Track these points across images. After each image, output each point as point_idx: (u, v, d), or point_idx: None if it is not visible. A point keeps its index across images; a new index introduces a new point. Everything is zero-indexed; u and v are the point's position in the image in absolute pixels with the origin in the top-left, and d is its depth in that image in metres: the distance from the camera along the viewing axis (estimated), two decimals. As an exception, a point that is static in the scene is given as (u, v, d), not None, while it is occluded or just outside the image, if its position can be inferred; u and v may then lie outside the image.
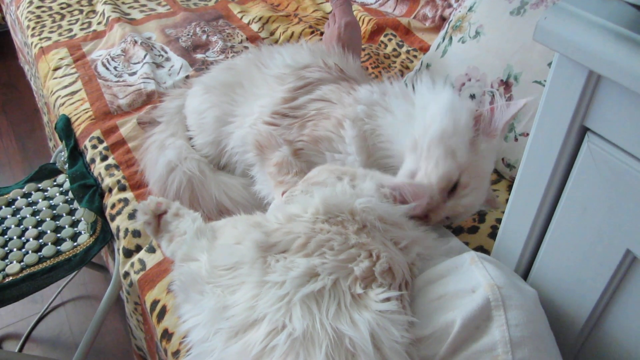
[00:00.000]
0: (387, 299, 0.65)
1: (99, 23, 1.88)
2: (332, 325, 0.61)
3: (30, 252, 1.25)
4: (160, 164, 1.17)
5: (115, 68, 1.62)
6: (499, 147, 0.90)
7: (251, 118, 1.09)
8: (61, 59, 1.69)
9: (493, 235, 1.04)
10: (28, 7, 1.97)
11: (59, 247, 1.27)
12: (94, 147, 1.36)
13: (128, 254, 1.14)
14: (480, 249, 1.01)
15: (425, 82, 0.98)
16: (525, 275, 0.77)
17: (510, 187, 1.16)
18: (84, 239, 1.29)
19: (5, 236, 1.29)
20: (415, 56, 1.62)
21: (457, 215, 0.89)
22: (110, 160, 1.32)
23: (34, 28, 1.87)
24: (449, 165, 0.83)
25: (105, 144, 1.36)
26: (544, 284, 0.73)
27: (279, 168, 1.00)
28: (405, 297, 0.69)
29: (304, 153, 1.01)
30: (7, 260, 1.23)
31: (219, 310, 0.66)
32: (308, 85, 1.07)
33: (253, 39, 1.76)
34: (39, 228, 1.32)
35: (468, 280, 0.68)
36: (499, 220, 1.06)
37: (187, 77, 1.55)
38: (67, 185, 1.43)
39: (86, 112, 1.46)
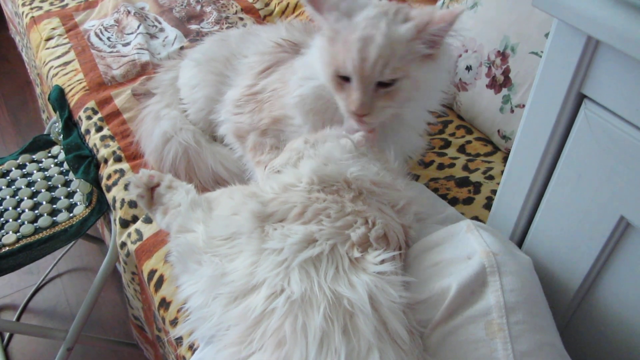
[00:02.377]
0: (384, 261, 0.66)
1: (91, -8, 1.85)
2: (330, 288, 0.62)
3: (26, 222, 1.25)
4: (156, 135, 1.17)
5: (108, 39, 1.60)
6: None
7: (224, 111, 1.12)
8: (53, 28, 1.67)
9: (488, 206, 1.05)
10: (18, -24, 1.93)
11: (54, 218, 1.27)
12: (89, 118, 1.36)
13: (125, 224, 1.14)
14: (475, 219, 1.01)
15: None
16: (520, 243, 0.78)
17: (505, 159, 1.17)
18: (80, 210, 1.29)
19: (1, 207, 1.29)
20: (411, 28, 1.61)
21: (374, 76, 0.83)
22: (106, 131, 1.31)
23: (24, -3, 1.84)
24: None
25: (100, 115, 1.35)
26: (539, 251, 0.74)
27: (254, 152, 1.03)
28: (397, 259, 0.69)
29: (269, 132, 1.02)
30: (3, 231, 1.23)
31: (217, 277, 0.67)
32: (268, 68, 1.07)
33: (248, 9, 1.74)
34: (35, 199, 1.31)
35: (464, 247, 0.68)
36: (494, 192, 1.07)
37: (181, 48, 1.54)
38: (62, 156, 1.42)
39: (80, 83, 1.45)
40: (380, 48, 0.80)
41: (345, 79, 0.84)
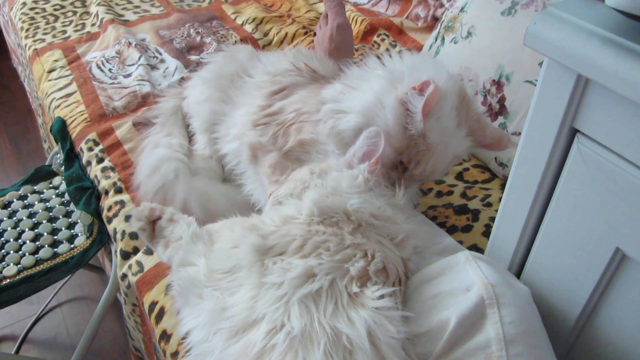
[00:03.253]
0: (382, 296, 0.66)
1: (93, 24, 1.89)
2: (329, 324, 0.63)
3: (27, 254, 1.25)
4: (145, 166, 1.18)
5: (110, 70, 1.62)
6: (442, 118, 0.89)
7: (235, 129, 1.11)
8: (55, 60, 1.69)
9: (487, 233, 1.05)
10: (21, 8, 1.97)
11: (55, 250, 1.27)
12: (90, 149, 1.37)
13: (125, 256, 1.15)
14: (474, 247, 1.03)
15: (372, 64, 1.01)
16: (518, 274, 0.78)
17: (503, 186, 1.18)
18: (81, 241, 1.29)
19: (2, 239, 1.29)
20: (408, 56, 1.63)
21: (426, 178, 0.93)
22: (107, 163, 1.33)
23: (27, 29, 1.88)
24: (385, 152, 0.87)
25: (101, 146, 1.37)
26: (537, 281, 0.74)
27: (273, 169, 1.01)
28: (397, 294, 0.70)
29: (292, 154, 1.02)
30: (4, 263, 1.23)
31: (218, 311, 0.68)
32: (283, 90, 1.07)
33: (247, 40, 1.77)
34: (36, 230, 1.32)
35: (462, 279, 0.69)
36: (492, 219, 1.08)
37: (181, 79, 1.56)
38: (63, 187, 1.43)
39: (82, 115, 1.47)
40: (447, 165, 0.92)
41: (404, 166, 0.90)
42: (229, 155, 1.14)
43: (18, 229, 1.32)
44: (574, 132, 0.62)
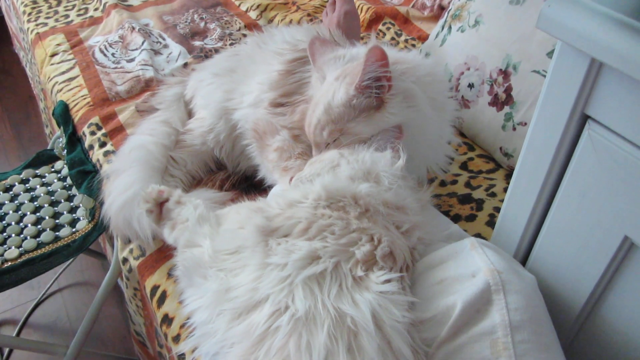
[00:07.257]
0: (388, 281, 0.66)
1: (96, 9, 1.88)
2: (333, 305, 0.62)
3: (28, 237, 1.25)
4: (122, 149, 1.19)
5: (113, 55, 1.61)
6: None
7: (250, 96, 1.09)
8: (58, 45, 1.68)
9: (491, 223, 1.05)
10: (24, -8, 1.95)
11: (57, 233, 1.27)
12: (93, 133, 1.36)
13: (127, 239, 1.14)
14: (478, 237, 1.01)
15: None
16: (523, 262, 0.78)
17: (507, 176, 1.17)
18: (83, 225, 1.29)
19: (4, 222, 1.29)
20: (413, 45, 1.62)
21: None
22: (109, 147, 1.32)
23: (30, 14, 1.87)
24: None
25: (103, 130, 1.36)
26: (543, 269, 0.74)
27: (280, 152, 1.00)
28: (405, 279, 0.70)
29: (301, 138, 1.01)
30: (5, 246, 1.23)
31: (222, 292, 0.67)
32: (303, 57, 1.06)
33: (251, 26, 1.76)
34: (37, 214, 1.32)
35: (468, 265, 0.69)
36: (496, 209, 1.07)
37: (185, 64, 1.55)
38: (65, 171, 1.43)
39: (84, 99, 1.46)
40: (318, 116, 0.89)
41: None
42: (241, 122, 1.12)
43: (20, 212, 1.32)
44: (585, 118, 0.61)
